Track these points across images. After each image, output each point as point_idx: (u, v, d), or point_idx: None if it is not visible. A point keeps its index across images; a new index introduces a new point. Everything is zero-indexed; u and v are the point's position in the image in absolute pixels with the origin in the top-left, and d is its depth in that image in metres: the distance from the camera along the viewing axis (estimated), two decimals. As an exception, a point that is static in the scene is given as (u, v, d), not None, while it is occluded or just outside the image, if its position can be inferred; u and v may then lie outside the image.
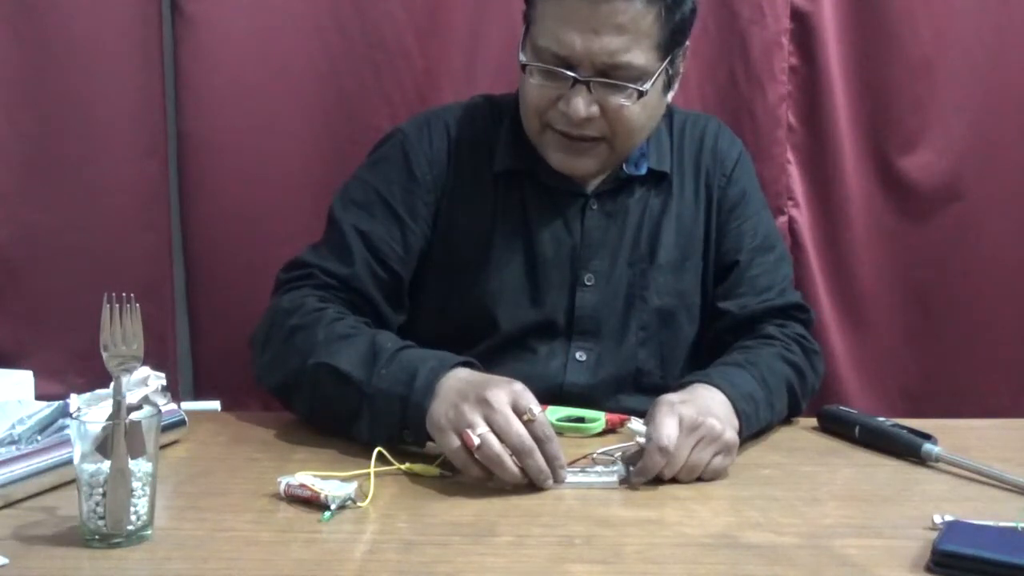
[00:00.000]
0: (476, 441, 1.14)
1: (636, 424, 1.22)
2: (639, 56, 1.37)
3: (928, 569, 0.97)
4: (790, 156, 1.93)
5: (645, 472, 1.18)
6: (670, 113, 1.55)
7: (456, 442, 1.16)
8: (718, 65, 1.90)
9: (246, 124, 1.83)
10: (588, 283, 1.50)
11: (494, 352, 1.47)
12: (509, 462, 1.14)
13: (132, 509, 1.00)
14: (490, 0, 1.85)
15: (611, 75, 1.37)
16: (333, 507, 1.08)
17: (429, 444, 1.25)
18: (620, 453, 1.25)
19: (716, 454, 1.22)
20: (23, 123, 1.80)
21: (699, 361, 1.50)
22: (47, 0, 1.77)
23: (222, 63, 1.81)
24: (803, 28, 1.89)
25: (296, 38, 1.83)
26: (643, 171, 1.52)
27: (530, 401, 1.17)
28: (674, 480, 1.20)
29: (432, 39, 1.85)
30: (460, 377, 1.22)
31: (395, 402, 1.23)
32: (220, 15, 1.81)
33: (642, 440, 1.20)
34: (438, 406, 1.19)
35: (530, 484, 1.16)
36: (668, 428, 1.18)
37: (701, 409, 1.23)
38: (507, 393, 1.17)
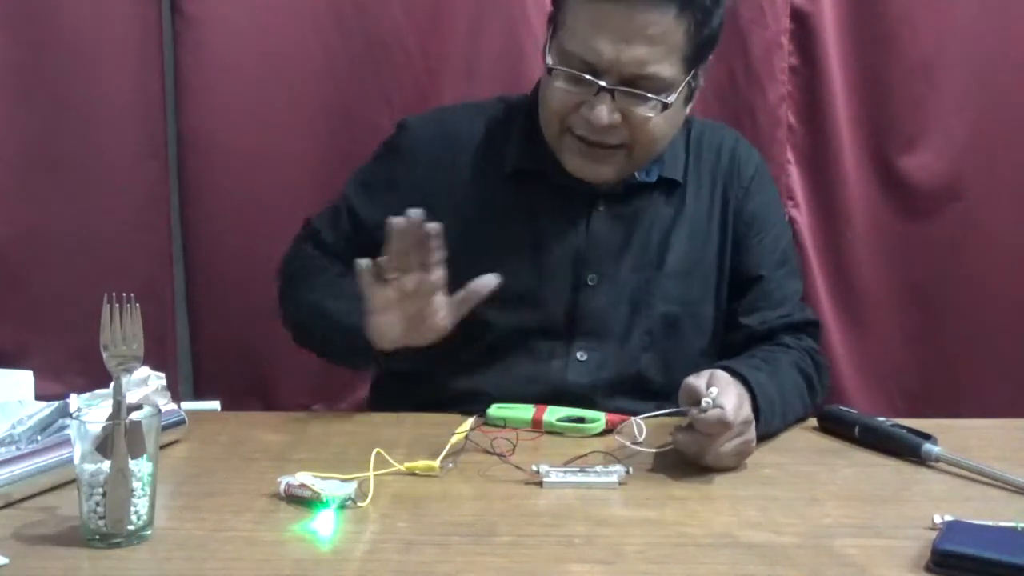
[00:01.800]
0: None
1: (710, 388, 1.22)
2: (667, 68, 1.37)
3: (928, 569, 0.97)
4: (790, 156, 1.93)
5: (699, 428, 1.19)
6: (688, 122, 1.55)
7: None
8: (718, 65, 1.89)
9: (246, 124, 1.84)
10: (591, 283, 1.50)
11: (496, 348, 1.47)
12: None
13: (132, 509, 1.00)
14: (490, 0, 1.85)
15: (637, 85, 1.37)
16: (333, 507, 1.08)
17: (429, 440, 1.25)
18: (619, 448, 1.25)
19: (737, 454, 1.23)
20: (23, 123, 1.80)
21: None
22: (47, 1, 1.77)
23: (222, 63, 1.82)
24: (803, 28, 1.89)
25: (296, 38, 1.83)
26: (654, 178, 1.51)
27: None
28: (674, 480, 1.20)
29: (432, 39, 1.86)
30: None
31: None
32: (220, 15, 1.81)
33: (714, 393, 1.20)
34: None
35: None
36: (736, 407, 1.20)
37: (748, 412, 1.25)
38: None
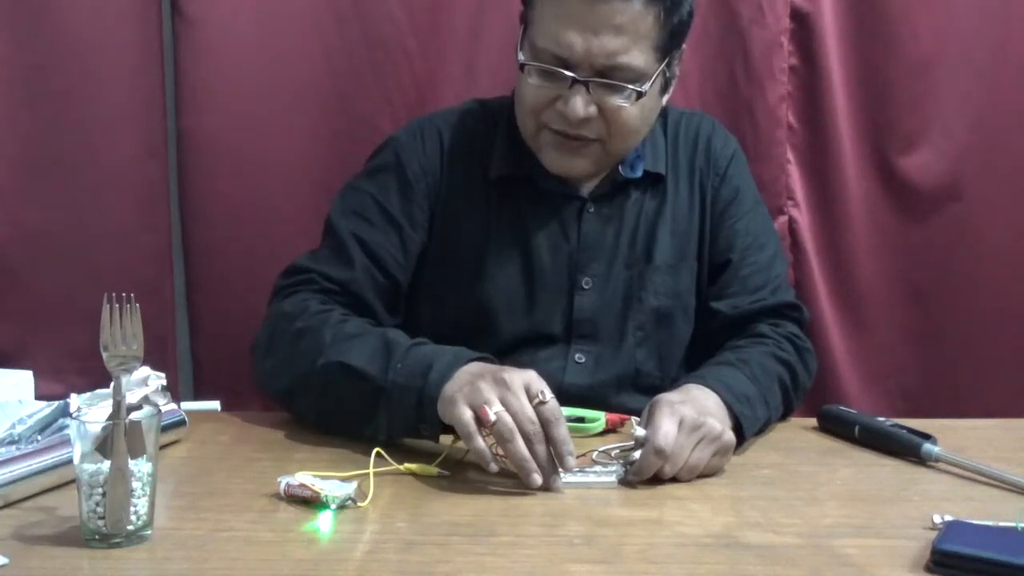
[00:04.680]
0: (493, 418, 1.15)
1: (636, 427, 1.22)
2: (638, 57, 1.37)
3: (928, 569, 0.97)
4: (790, 156, 1.93)
5: (641, 472, 1.19)
6: (664, 112, 1.55)
7: (468, 413, 1.17)
8: (718, 65, 1.90)
9: (246, 124, 1.83)
10: (586, 287, 1.50)
11: (496, 355, 1.47)
12: (520, 439, 1.15)
13: (132, 509, 1.00)
14: (490, 0, 1.85)
15: (610, 76, 1.37)
16: (333, 507, 1.09)
17: (430, 441, 1.25)
18: (618, 452, 1.25)
19: (714, 454, 1.22)
20: (23, 123, 1.80)
21: (694, 361, 1.51)
22: (47, 1, 1.77)
23: (222, 63, 1.81)
24: (803, 28, 1.89)
25: (296, 38, 1.83)
26: (639, 173, 1.52)
27: (543, 386, 1.19)
28: (674, 480, 1.20)
29: (432, 39, 1.85)
30: (475, 367, 1.24)
31: (411, 395, 1.24)
32: (220, 15, 1.81)
33: (641, 433, 1.19)
34: (452, 385, 1.21)
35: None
36: (666, 428, 1.18)
37: (700, 409, 1.23)
38: (521, 376, 1.19)
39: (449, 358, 1.25)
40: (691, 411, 1.21)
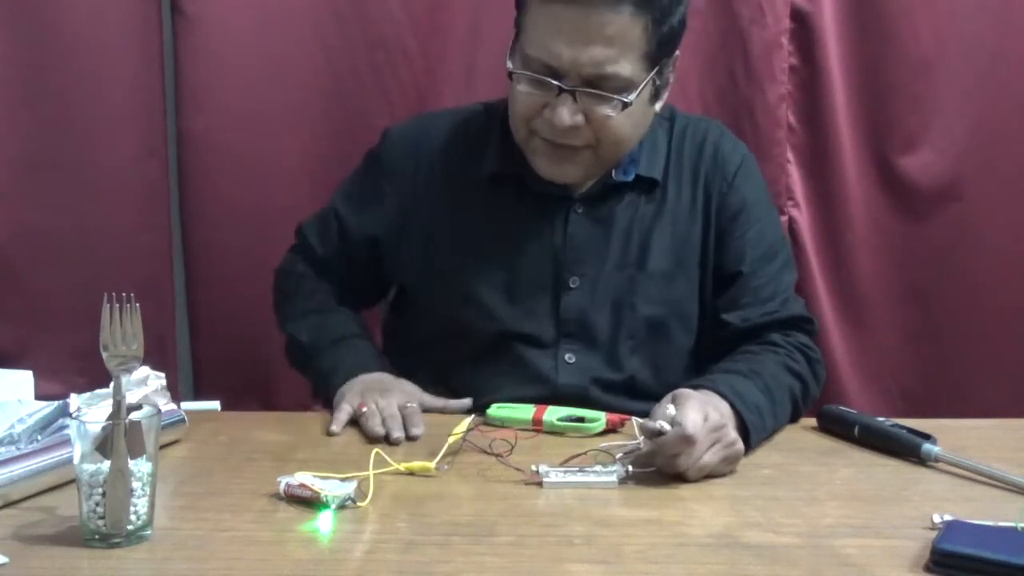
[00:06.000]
0: (365, 409, 1.36)
1: (667, 406, 1.21)
2: (625, 67, 1.36)
3: (928, 569, 0.97)
4: (790, 156, 1.93)
5: (662, 451, 1.18)
6: (671, 117, 1.54)
7: (347, 407, 1.39)
8: (718, 65, 1.90)
9: (246, 124, 1.84)
10: (573, 286, 1.49)
11: (485, 352, 1.48)
12: (378, 417, 1.35)
13: (132, 509, 1.00)
14: (490, 1, 1.85)
15: (597, 85, 1.37)
16: (333, 507, 1.09)
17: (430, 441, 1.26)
18: (620, 455, 1.25)
19: (723, 459, 1.22)
20: (23, 123, 1.80)
21: (699, 369, 1.49)
22: (47, 1, 1.77)
23: (222, 63, 1.82)
24: (803, 28, 1.89)
25: (296, 38, 1.83)
26: (631, 177, 1.50)
27: (413, 411, 1.38)
28: (674, 479, 1.20)
29: (432, 39, 1.86)
30: (372, 376, 1.45)
31: (321, 379, 1.50)
32: (220, 15, 1.81)
33: (672, 412, 1.19)
34: (347, 389, 1.43)
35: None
36: (695, 418, 1.18)
37: (721, 414, 1.24)
38: (400, 395, 1.40)
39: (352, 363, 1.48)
40: (715, 413, 1.22)
